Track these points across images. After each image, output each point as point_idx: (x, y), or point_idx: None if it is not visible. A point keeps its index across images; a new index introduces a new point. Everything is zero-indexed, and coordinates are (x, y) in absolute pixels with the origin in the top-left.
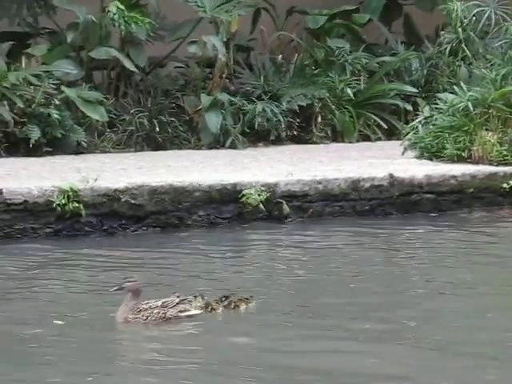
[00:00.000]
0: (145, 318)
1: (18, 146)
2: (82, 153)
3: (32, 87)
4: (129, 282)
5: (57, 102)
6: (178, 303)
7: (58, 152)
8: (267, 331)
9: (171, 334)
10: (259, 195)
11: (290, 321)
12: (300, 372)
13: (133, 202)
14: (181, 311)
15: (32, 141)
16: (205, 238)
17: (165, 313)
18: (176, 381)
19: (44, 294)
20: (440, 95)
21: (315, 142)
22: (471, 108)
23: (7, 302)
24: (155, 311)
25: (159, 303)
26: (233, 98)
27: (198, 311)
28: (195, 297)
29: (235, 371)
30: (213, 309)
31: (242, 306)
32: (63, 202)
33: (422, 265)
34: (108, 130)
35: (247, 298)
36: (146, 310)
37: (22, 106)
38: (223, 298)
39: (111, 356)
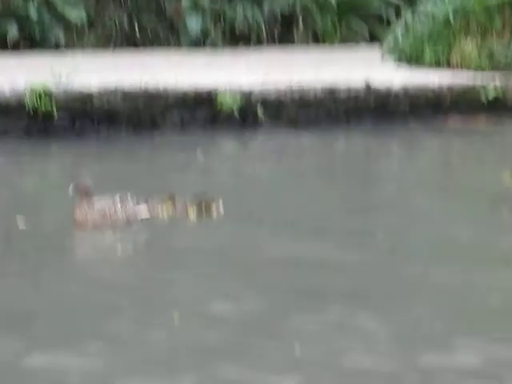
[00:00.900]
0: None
1: None
2: (60, 52)
3: None
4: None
5: (36, 1)
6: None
7: (36, 50)
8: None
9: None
10: (233, 100)
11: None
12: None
13: (106, 103)
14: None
15: (9, 38)
16: (176, 141)
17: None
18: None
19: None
20: (421, 3)
21: (296, 46)
22: (451, 16)
23: None
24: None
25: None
26: (214, 0)
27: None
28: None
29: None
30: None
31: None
32: (35, 102)
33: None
34: (87, 30)
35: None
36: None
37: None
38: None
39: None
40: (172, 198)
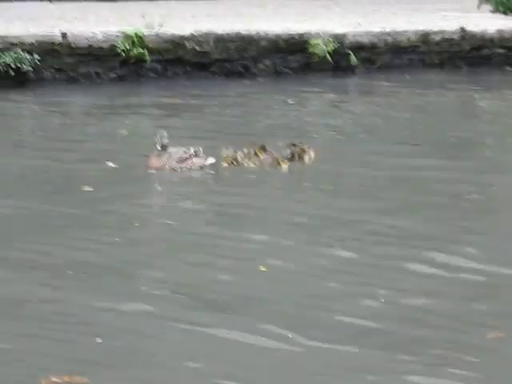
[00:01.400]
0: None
1: None
2: None
3: None
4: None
5: None
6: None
7: None
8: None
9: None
10: (326, 46)
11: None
12: None
13: (198, 49)
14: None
15: None
16: (269, 87)
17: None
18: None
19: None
20: None
21: None
22: None
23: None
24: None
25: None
26: None
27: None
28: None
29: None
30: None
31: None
32: (127, 47)
33: None
34: None
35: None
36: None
37: None
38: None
39: None
40: (263, 148)
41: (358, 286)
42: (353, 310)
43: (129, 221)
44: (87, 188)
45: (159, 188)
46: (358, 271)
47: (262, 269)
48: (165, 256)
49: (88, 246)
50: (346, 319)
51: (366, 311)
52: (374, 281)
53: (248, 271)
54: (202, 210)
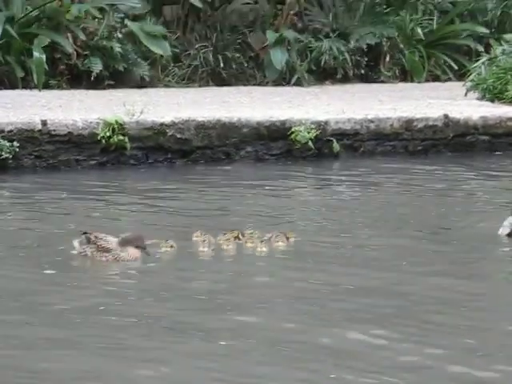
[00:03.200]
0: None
1: (80, 79)
2: (145, 87)
3: (96, 20)
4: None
5: (119, 36)
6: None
7: (121, 86)
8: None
9: None
10: (309, 133)
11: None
12: None
13: (179, 136)
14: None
15: (94, 73)
16: (249, 173)
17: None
18: None
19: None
20: (506, 36)
21: (383, 82)
22: None
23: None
24: None
25: None
26: (299, 36)
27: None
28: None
29: None
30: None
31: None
32: (108, 134)
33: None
34: (172, 65)
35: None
36: None
37: (84, 38)
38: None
39: None
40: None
41: None
42: None
43: None
44: None
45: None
46: None
47: None
48: None
49: None
50: None
51: None
52: None
53: None
54: None
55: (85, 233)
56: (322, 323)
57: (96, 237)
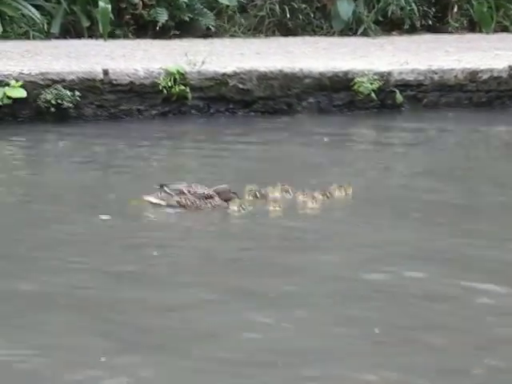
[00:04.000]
0: None
1: (146, 29)
2: (210, 37)
3: None
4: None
5: None
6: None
7: (186, 35)
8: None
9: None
10: (371, 84)
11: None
12: None
13: (241, 86)
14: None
15: (159, 23)
16: (312, 124)
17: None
18: None
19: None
20: None
21: (451, 32)
22: None
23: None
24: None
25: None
26: None
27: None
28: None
29: None
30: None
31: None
32: (169, 84)
33: None
34: (239, 15)
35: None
36: None
37: None
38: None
39: None
40: (286, 190)
41: None
42: None
43: None
44: None
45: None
46: None
47: None
48: None
49: None
50: None
51: None
52: None
53: None
54: None
55: (162, 185)
56: None
57: (189, 186)
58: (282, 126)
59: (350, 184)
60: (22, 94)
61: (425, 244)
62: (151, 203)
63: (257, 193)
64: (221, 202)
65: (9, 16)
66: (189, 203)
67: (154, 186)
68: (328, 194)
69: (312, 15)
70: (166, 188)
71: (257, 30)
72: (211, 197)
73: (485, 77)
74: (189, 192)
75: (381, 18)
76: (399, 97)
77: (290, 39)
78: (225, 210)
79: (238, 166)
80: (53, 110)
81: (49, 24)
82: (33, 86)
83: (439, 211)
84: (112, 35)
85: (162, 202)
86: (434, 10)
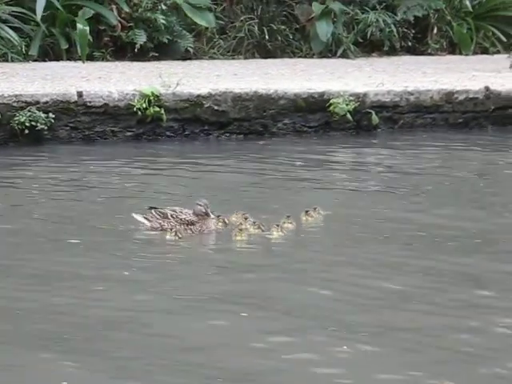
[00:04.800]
0: None
1: (124, 51)
2: (189, 59)
3: None
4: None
5: (164, 8)
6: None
7: (165, 58)
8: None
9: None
10: (347, 105)
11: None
12: None
13: (216, 108)
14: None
15: (138, 45)
16: (286, 146)
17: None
18: None
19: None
20: None
21: (431, 54)
22: None
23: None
24: None
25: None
26: (346, 8)
27: None
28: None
29: None
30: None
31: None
32: (144, 106)
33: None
34: (218, 37)
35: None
36: None
37: (128, 10)
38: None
39: None
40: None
41: None
42: None
43: None
44: None
45: None
46: None
47: None
48: None
49: None
50: None
51: None
52: None
53: None
54: None
55: (151, 207)
56: None
57: (174, 210)
58: (257, 147)
59: (317, 209)
60: None
61: None
62: (136, 220)
63: (225, 219)
64: (201, 228)
65: None
66: (169, 228)
67: (145, 207)
68: (292, 223)
69: (291, 37)
70: (153, 211)
71: (236, 51)
72: (192, 223)
73: (461, 98)
74: (172, 217)
75: (360, 40)
76: (375, 118)
77: (269, 61)
78: (206, 235)
79: (208, 188)
80: (27, 131)
81: (27, 46)
82: (6, 107)
83: (411, 234)
84: (91, 57)
85: (146, 222)
86: (413, 31)
